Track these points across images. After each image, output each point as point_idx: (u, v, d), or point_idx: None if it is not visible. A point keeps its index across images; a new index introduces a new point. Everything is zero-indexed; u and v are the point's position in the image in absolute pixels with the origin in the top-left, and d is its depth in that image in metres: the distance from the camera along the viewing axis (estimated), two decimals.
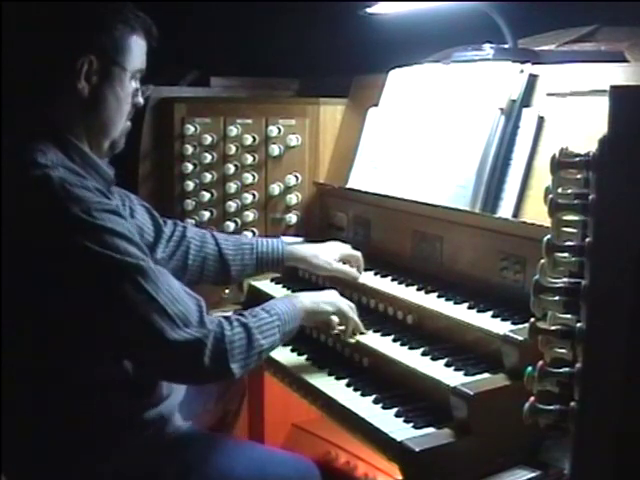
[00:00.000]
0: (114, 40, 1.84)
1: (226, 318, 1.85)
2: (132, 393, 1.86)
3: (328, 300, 2.11)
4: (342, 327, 2.14)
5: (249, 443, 2.32)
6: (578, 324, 1.38)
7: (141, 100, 1.96)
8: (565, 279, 1.44)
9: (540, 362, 1.46)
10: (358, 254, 2.43)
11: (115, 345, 1.79)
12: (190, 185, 2.94)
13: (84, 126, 1.85)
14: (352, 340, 2.12)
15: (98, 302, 1.72)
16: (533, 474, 1.73)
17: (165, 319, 1.71)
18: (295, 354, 2.22)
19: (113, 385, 1.83)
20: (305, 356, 2.21)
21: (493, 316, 1.97)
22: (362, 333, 2.13)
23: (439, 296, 2.15)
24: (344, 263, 2.42)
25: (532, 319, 1.48)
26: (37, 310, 1.75)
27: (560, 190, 1.45)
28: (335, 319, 2.12)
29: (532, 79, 2.20)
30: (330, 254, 2.41)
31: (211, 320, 1.79)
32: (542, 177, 2.01)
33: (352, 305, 2.15)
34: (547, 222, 1.48)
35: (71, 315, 1.74)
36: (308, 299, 2.07)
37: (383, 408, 1.88)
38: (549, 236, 1.45)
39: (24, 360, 1.80)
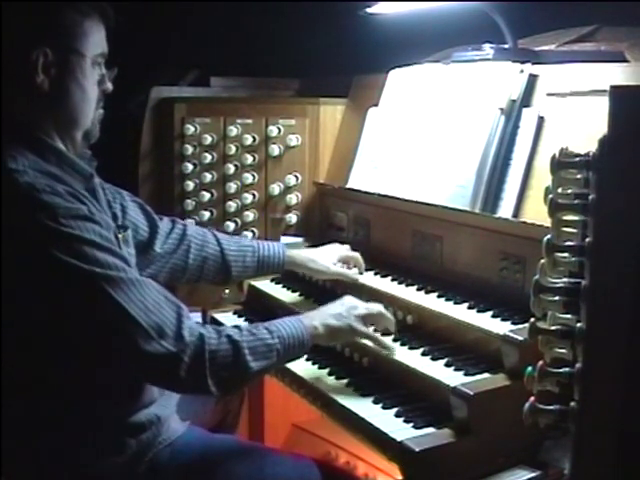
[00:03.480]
0: (65, 28, 1.79)
1: (217, 331, 1.78)
2: (122, 394, 1.85)
3: (346, 326, 1.96)
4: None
5: (248, 443, 2.31)
6: (578, 324, 1.38)
7: (109, 86, 1.90)
8: (565, 279, 1.44)
9: (540, 362, 1.46)
10: (357, 255, 2.43)
11: (91, 353, 1.77)
12: (190, 185, 2.94)
13: (52, 121, 1.81)
14: (392, 356, 1.99)
15: (67, 311, 1.70)
16: (533, 474, 1.73)
17: (138, 330, 1.68)
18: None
19: (102, 387, 1.82)
20: (305, 356, 2.20)
21: (493, 316, 1.97)
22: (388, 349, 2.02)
23: (439, 296, 2.15)
24: (344, 264, 2.42)
25: (532, 319, 1.48)
26: (15, 316, 1.74)
27: (560, 190, 1.45)
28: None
29: (532, 79, 2.20)
30: (328, 257, 2.40)
31: (192, 332, 1.73)
32: (542, 177, 2.01)
33: (376, 310, 2.05)
34: (547, 222, 1.48)
35: (44, 322, 1.72)
36: (322, 324, 1.93)
37: (383, 408, 1.88)
38: (549, 236, 1.45)
39: (12, 365, 1.79)
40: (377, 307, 2.06)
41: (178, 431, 1.98)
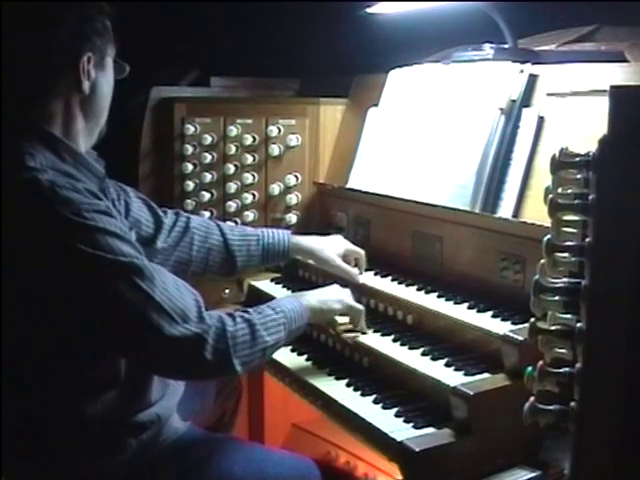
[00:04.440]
0: (99, 31, 1.84)
1: (229, 314, 1.84)
2: (124, 394, 1.85)
3: (335, 298, 2.10)
4: (347, 321, 2.15)
5: (248, 443, 2.30)
6: (578, 324, 1.38)
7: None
8: (565, 279, 1.44)
9: (540, 362, 1.46)
10: (362, 252, 2.43)
11: (114, 345, 1.79)
12: (190, 185, 2.94)
13: (82, 120, 1.85)
14: (361, 336, 2.11)
15: (94, 303, 1.72)
16: (533, 474, 1.73)
17: (163, 316, 1.71)
18: (295, 354, 2.22)
19: (104, 386, 1.82)
20: (305, 356, 2.20)
21: (493, 316, 1.97)
22: (364, 333, 2.13)
23: (439, 296, 2.15)
24: (345, 258, 2.42)
25: (532, 319, 1.48)
26: (34, 312, 1.74)
27: (560, 190, 1.45)
28: (339, 319, 2.14)
29: (532, 79, 2.20)
30: (334, 248, 2.41)
31: (211, 315, 1.79)
32: (542, 177, 2.01)
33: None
34: (547, 222, 1.48)
35: (68, 317, 1.73)
36: (315, 298, 2.06)
37: (383, 408, 1.88)
38: (549, 236, 1.45)
39: (21, 361, 1.80)
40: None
41: (179, 431, 1.98)
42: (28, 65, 1.81)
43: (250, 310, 1.91)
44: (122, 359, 1.83)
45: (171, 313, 1.72)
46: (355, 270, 2.40)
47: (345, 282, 2.36)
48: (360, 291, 2.34)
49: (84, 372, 1.80)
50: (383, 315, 2.24)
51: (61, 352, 1.77)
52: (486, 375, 1.83)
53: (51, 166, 1.74)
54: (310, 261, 2.49)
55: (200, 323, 1.75)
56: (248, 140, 2.86)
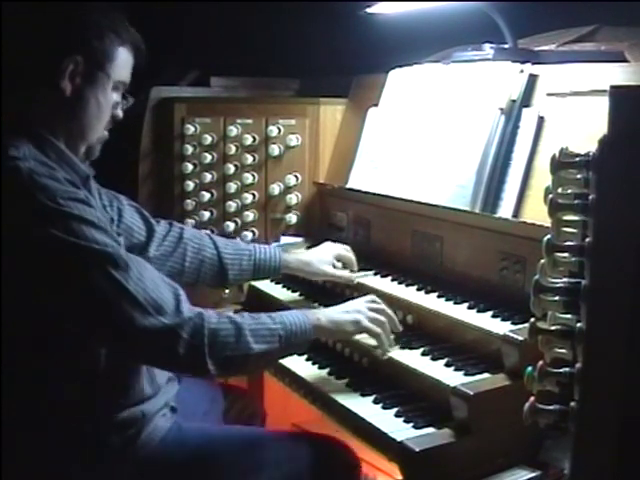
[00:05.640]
0: (103, 46, 1.85)
1: (217, 313, 1.82)
2: (106, 391, 1.84)
3: (351, 319, 1.98)
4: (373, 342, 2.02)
5: (240, 428, 2.25)
6: (578, 324, 1.38)
7: (120, 113, 1.96)
8: (565, 279, 1.44)
9: (540, 362, 1.46)
10: (351, 256, 2.44)
11: (87, 333, 1.78)
12: (190, 185, 2.94)
13: (63, 126, 1.85)
14: (385, 357, 1.99)
15: (66, 290, 1.72)
16: (533, 474, 1.73)
17: (135, 307, 1.70)
18: (295, 354, 2.21)
19: (89, 382, 1.81)
20: (305, 356, 2.20)
21: (493, 316, 1.97)
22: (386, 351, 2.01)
23: (439, 296, 2.15)
24: (339, 262, 2.43)
25: (532, 319, 1.48)
26: (13, 298, 1.74)
27: (560, 190, 1.45)
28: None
29: (532, 79, 2.20)
30: (323, 258, 2.41)
31: (192, 310, 1.77)
32: (542, 177, 2.01)
33: (381, 317, 2.01)
34: (547, 222, 1.48)
35: (43, 303, 1.73)
36: (327, 317, 1.96)
37: (383, 408, 1.88)
38: (549, 236, 1.45)
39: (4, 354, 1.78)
40: (381, 305, 2.07)
41: (164, 428, 1.96)
42: (14, 56, 1.83)
43: (245, 314, 1.88)
44: (102, 354, 1.81)
45: (144, 304, 1.71)
46: (347, 274, 2.40)
47: (344, 284, 2.38)
48: (360, 291, 2.35)
49: (63, 363, 1.79)
50: None
51: (39, 339, 1.76)
52: (486, 375, 1.83)
53: (34, 157, 1.75)
54: (301, 275, 2.47)
55: (176, 317, 1.73)
56: (248, 140, 2.86)
